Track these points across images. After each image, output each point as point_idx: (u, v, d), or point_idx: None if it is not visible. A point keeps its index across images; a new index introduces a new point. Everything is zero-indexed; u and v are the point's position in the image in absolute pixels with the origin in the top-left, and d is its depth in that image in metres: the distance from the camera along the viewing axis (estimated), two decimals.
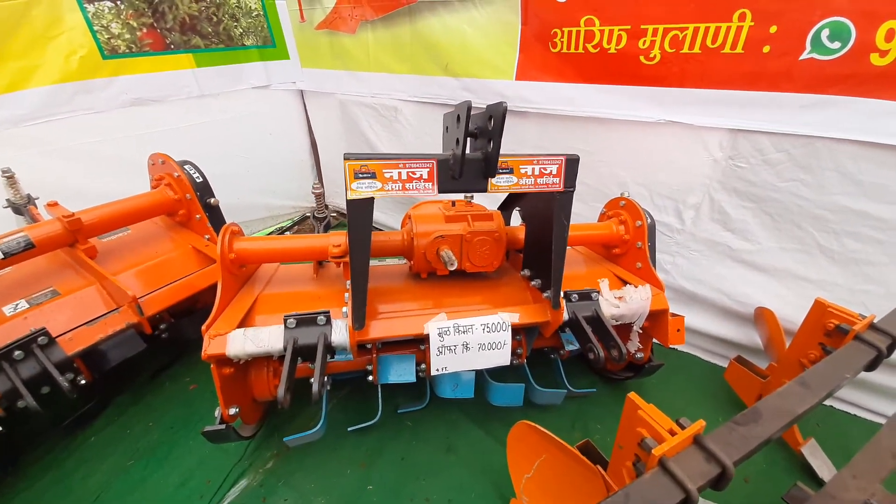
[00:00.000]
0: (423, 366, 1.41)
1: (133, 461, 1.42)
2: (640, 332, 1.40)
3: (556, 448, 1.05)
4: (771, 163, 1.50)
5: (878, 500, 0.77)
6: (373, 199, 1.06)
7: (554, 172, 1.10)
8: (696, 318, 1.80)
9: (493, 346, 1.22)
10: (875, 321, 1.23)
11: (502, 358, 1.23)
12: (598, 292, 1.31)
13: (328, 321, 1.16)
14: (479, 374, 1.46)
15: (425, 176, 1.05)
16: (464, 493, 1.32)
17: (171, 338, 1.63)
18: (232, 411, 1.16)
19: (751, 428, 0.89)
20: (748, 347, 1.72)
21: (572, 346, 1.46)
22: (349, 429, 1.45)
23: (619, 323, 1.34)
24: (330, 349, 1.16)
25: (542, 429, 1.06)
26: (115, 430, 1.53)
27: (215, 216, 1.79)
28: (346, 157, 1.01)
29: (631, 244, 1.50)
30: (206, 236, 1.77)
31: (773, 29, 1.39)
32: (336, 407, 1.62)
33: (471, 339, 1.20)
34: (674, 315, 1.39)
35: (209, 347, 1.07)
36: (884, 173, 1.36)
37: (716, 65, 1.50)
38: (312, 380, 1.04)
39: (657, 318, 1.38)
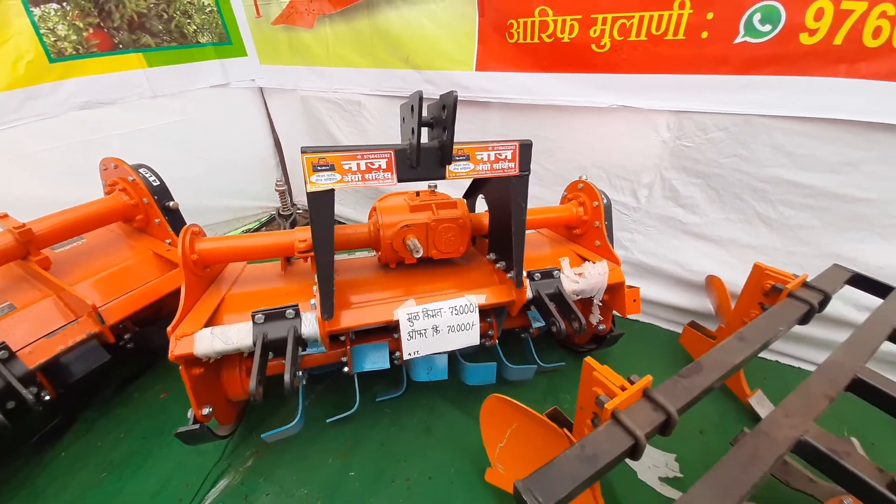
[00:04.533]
0: (397, 354, 1.44)
1: (106, 473, 1.39)
2: (601, 304, 1.48)
3: (526, 416, 1.11)
4: (713, 141, 1.60)
5: (811, 436, 0.86)
6: (333, 190, 1.08)
7: (509, 157, 1.15)
8: (654, 289, 1.91)
9: (463, 328, 1.27)
10: (808, 280, 1.35)
11: (472, 338, 1.28)
12: (560, 270, 1.38)
13: (297, 314, 1.17)
14: (453, 357, 1.51)
15: (384, 166, 1.08)
16: (443, 470, 1.38)
17: (138, 347, 1.60)
18: (205, 411, 1.16)
19: (693, 379, 0.98)
20: (701, 313, 1.84)
21: (539, 323, 1.53)
22: (328, 420, 1.47)
23: (580, 297, 1.42)
24: (301, 342, 1.17)
25: (512, 400, 1.12)
26: (85, 445, 1.49)
27: (175, 220, 1.75)
28: (304, 151, 1.02)
29: (590, 224, 1.58)
30: (168, 241, 1.73)
31: (710, 16, 1.48)
32: (313, 402, 1.63)
33: (440, 322, 1.24)
34: (630, 287, 1.48)
35: (176, 348, 1.07)
36: (813, 144, 1.48)
37: (660, 51, 1.58)
38: (284, 373, 1.05)
39: (615, 290, 1.46)
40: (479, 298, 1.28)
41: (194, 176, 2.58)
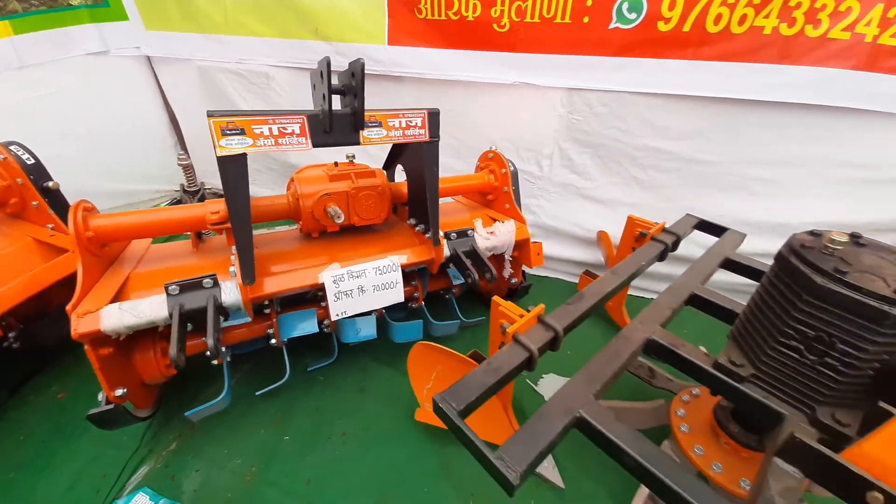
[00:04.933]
0: (326, 321, 1.49)
1: (14, 474, 1.26)
2: (511, 259, 1.68)
3: (449, 357, 1.25)
4: (597, 115, 1.86)
5: (657, 336, 1.12)
6: (245, 155, 1.08)
7: (419, 124, 1.24)
8: (558, 247, 2.18)
9: (387, 287, 1.36)
10: (666, 226, 1.68)
11: (396, 295, 1.38)
12: (473, 230, 1.53)
13: (216, 283, 1.16)
14: (382, 320, 1.61)
15: (297, 131, 1.10)
16: (378, 420, 1.48)
17: (24, 347, 1.43)
18: (118, 392, 1.11)
19: (577, 305, 1.19)
20: (595, 264, 2.16)
21: (459, 280, 1.68)
22: (257, 392, 1.48)
23: (492, 253, 1.59)
24: (222, 311, 1.17)
25: (436, 345, 1.26)
26: None
27: (57, 202, 1.56)
28: (210, 114, 1.01)
29: (500, 190, 1.75)
30: (50, 225, 1.54)
31: (589, 2, 1.70)
32: (241, 380, 1.62)
33: (365, 282, 1.32)
34: (534, 242, 1.69)
35: (79, 326, 1.00)
36: (670, 117, 1.80)
37: (552, 32, 1.78)
38: (206, 338, 1.05)
39: (522, 246, 1.66)
40: (401, 258, 1.38)
41: (74, 155, 2.28)
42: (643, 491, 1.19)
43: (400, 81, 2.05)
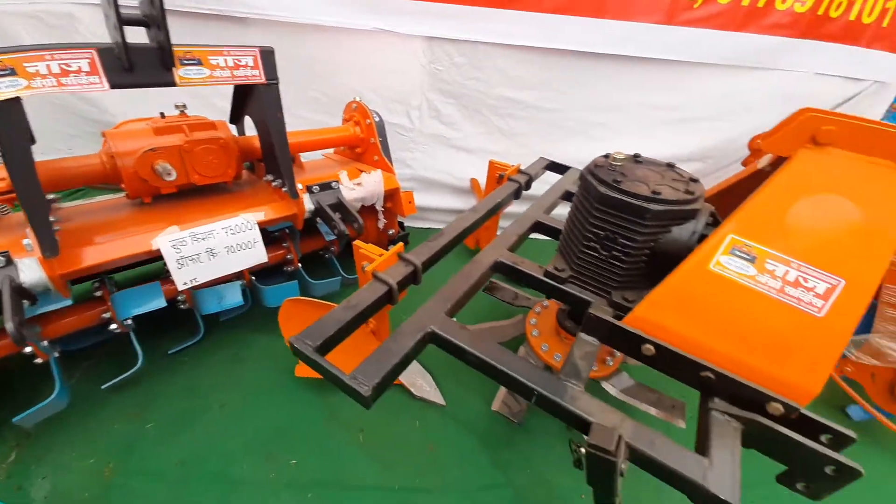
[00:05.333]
0: (182, 297, 1.36)
1: None
2: (383, 210, 1.71)
3: (318, 308, 1.24)
4: (457, 65, 1.93)
5: (503, 258, 1.27)
6: (19, 101, 0.89)
7: (251, 65, 1.14)
8: (436, 198, 2.27)
9: (244, 247, 1.28)
10: (521, 168, 1.87)
11: (256, 256, 1.32)
12: (339, 182, 1.51)
13: (9, 261, 0.96)
14: (253, 288, 1.52)
15: (86, 68, 0.93)
16: (259, 385, 1.44)
17: None
18: None
19: (436, 242, 1.28)
20: None
21: (332, 236, 1.66)
22: (103, 387, 1.30)
23: (363, 204, 1.60)
24: (25, 293, 0.98)
25: (304, 298, 1.24)
26: None
27: None
28: None
29: (367, 141, 1.74)
30: None
31: None
32: (86, 376, 1.40)
33: (214, 244, 1.22)
34: (405, 191, 1.74)
35: None
36: (521, 67, 1.95)
37: None
38: (5, 322, 0.88)
39: (393, 196, 1.70)
40: (256, 216, 1.30)
41: None
42: (502, 390, 1.40)
43: (245, 24, 1.82)
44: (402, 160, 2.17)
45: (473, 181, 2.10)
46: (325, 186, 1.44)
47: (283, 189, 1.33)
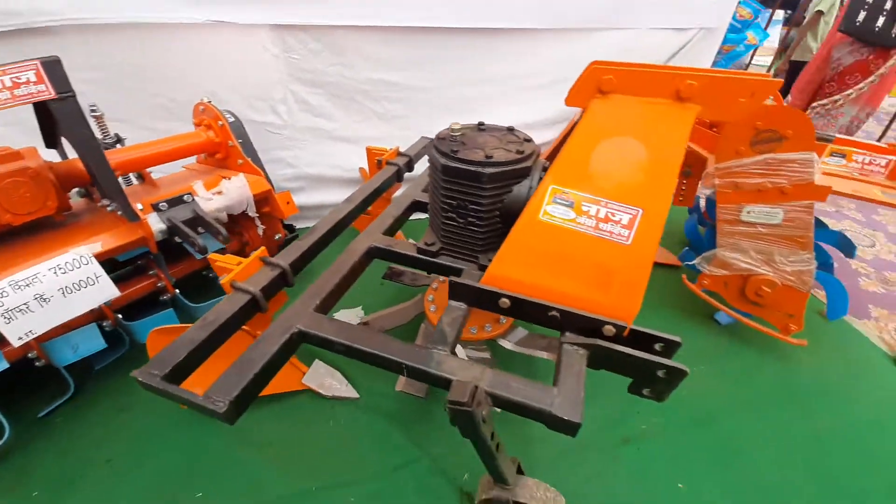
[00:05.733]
0: (32, 353, 1.19)
1: None
2: (259, 215, 1.62)
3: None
4: (314, 52, 1.85)
5: (377, 242, 1.27)
6: None
7: (34, 80, 0.99)
8: (328, 193, 2.20)
9: (83, 285, 1.14)
10: (400, 150, 1.87)
11: (104, 293, 1.18)
12: (192, 194, 1.39)
13: None
14: (121, 326, 1.38)
15: None
16: (148, 432, 1.33)
17: None
18: None
19: (307, 239, 1.24)
20: None
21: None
22: None
23: (231, 213, 1.49)
24: None
25: (170, 325, 1.15)
26: None
27: None
28: None
29: (225, 145, 1.61)
30: None
31: None
32: None
33: (44, 288, 1.07)
34: (281, 193, 1.66)
35: None
36: (387, 49, 1.92)
37: None
38: None
39: (268, 199, 1.61)
40: (92, 248, 1.16)
41: None
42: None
43: (51, 35, 1.56)
44: (283, 160, 2.06)
45: (361, 170, 2.06)
46: (177, 201, 1.32)
47: (119, 213, 1.19)
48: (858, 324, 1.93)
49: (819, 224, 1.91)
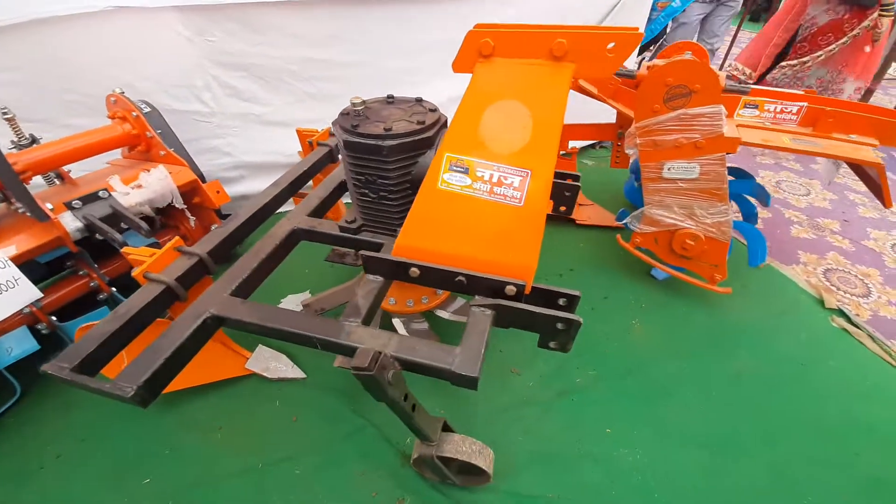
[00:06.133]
0: None
1: None
2: (187, 207, 1.60)
3: None
4: (231, 33, 1.77)
5: (300, 224, 1.27)
6: None
7: None
8: (268, 181, 2.17)
9: (4, 288, 1.13)
10: (331, 130, 1.84)
11: (24, 295, 1.17)
12: (109, 190, 1.36)
13: None
14: (55, 327, 1.37)
15: None
16: (94, 426, 1.36)
17: None
18: None
19: (227, 226, 1.24)
20: None
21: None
22: None
23: (155, 206, 1.47)
24: None
25: (95, 321, 1.16)
26: None
27: None
28: None
29: (144, 137, 1.57)
30: None
31: None
32: None
33: None
34: (210, 182, 1.64)
35: None
36: (304, 24, 1.84)
37: None
38: None
39: (196, 190, 1.59)
40: (7, 251, 1.14)
41: None
42: None
43: None
44: (218, 148, 2.01)
45: (301, 154, 2.03)
46: (92, 198, 1.29)
47: (28, 214, 1.17)
48: (787, 269, 2.05)
49: (742, 175, 1.99)
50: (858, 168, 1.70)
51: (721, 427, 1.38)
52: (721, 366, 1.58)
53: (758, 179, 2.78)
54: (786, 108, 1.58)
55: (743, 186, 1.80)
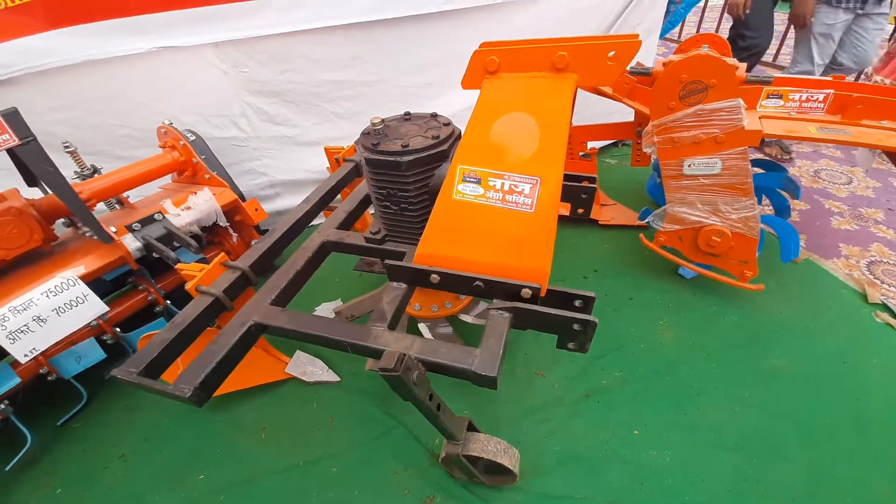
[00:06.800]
0: (44, 369, 1.36)
1: None
2: (232, 225, 1.74)
3: None
4: (262, 63, 1.93)
5: (330, 237, 1.38)
6: None
7: None
8: (301, 196, 2.30)
9: (74, 304, 1.29)
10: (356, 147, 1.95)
11: (93, 309, 1.33)
12: (162, 212, 1.52)
13: None
14: (120, 338, 1.53)
15: None
16: (155, 427, 1.50)
17: None
18: None
19: (264, 242, 1.36)
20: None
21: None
22: (6, 468, 1.33)
23: (202, 226, 1.62)
24: None
25: (156, 330, 1.30)
26: None
27: None
28: None
29: (190, 162, 1.73)
30: None
31: None
32: None
33: (40, 310, 1.22)
34: (248, 201, 1.78)
35: None
36: (327, 50, 1.98)
37: None
38: None
39: (237, 209, 1.73)
40: (76, 271, 1.30)
41: None
42: None
43: (12, 85, 1.68)
44: (254, 170, 2.17)
45: (329, 170, 2.16)
46: (148, 220, 1.45)
47: (96, 238, 1.33)
48: (827, 263, 1.95)
49: (771, 167, 1.93)
50: (894, 156, 1.62)
51: (756, 428, 1.35)
52: (755, 365, 1.53)
53: (794, 169, 2.67)
54: (812, 97, 1.53)
55: (771, 179, 1.74)
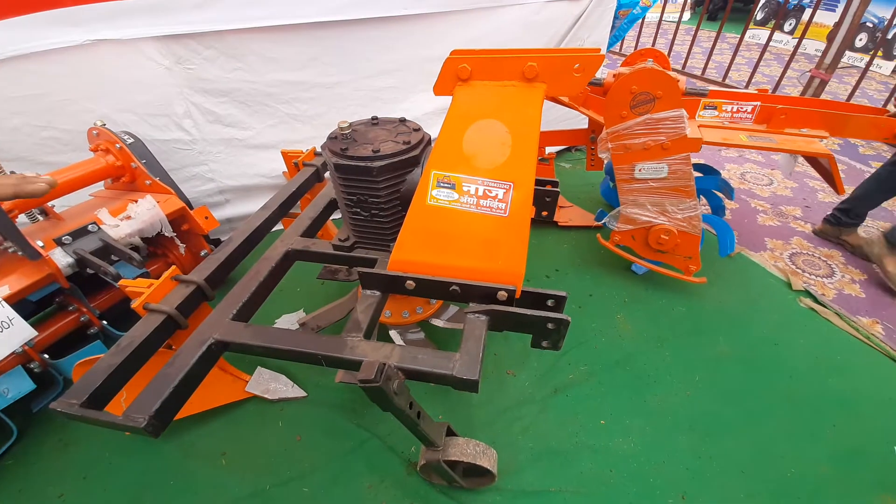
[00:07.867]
0: None
1: None
2: (178, 234, 1.61)
3: None
4: (209, 59, 1.80)
5: (294, 245, 1.31)
6: None
7: None
8: (254, 203, 2.18)
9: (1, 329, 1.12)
10: (317, 150, 1.88)
11: (20, 335, 1.16)
12: (98, 223, 1.37)
13: None
14: (49, 366, 1.35)
15: None
16: (94, 462, 1.34)
17: None
18: None
19: (221, 252, 1.26)
20: None
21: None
22: None
23: (144, 237, 1.47)
24: None
25: (94, 357, 1.15)
26: None
27: None
28: None
29: (128, 167, 1.57)
30: None
31: None
32: None
33: None
34: (197, 208, 1.65)
35: None
36: (282, 48, 1.88)
37: None
38: None
39: (184, 217, 1.60)
40: (0, 292, 1.14)
41: None
42: None
43: None
44: (200, 175, 2.01)
45: (286, 175, 2.06)
46: (81, 232, 1.30)
47: (20, 253, 1.17)
48: (756, 256, 2.18)
49: (708, 171, 2.12)
50: (813, 159, 1.85)
51: (706, 410, 1.47)
52: (702, 352, 1.68)
53: (724, 172, 2.96)
54: (741, 108, 1.70)
55: (709, 182, 1.92)
